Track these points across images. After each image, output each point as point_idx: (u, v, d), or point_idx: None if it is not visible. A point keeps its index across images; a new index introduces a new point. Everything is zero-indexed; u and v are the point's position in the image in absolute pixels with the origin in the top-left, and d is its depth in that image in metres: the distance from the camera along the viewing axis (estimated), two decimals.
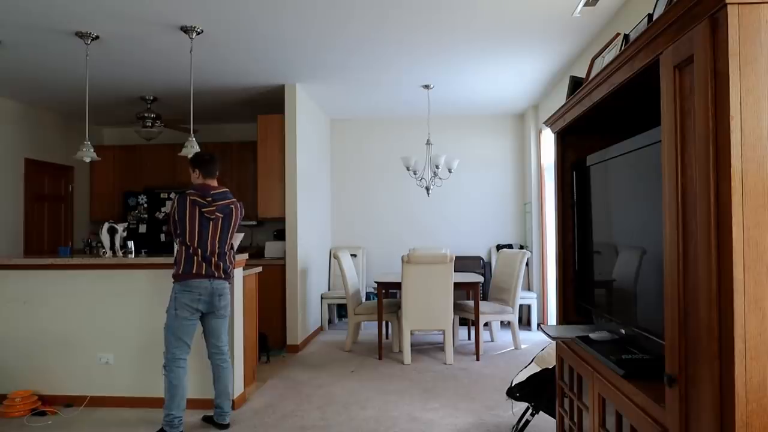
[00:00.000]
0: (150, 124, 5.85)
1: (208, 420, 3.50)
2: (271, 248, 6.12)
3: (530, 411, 3.02)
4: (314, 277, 6.36)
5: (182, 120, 5.96)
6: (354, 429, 3.41)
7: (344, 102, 6.46)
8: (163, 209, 6.93)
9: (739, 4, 1.13)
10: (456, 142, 7.19)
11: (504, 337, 5.99)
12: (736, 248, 1.13)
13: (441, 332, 5.44)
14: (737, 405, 1.13)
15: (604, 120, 2.22)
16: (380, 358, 5.16)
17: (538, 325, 6.42)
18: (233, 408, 3.66)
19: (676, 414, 1.33)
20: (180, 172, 6.85)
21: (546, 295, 6.41)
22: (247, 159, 6.79)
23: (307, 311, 6.00)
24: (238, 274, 3.87)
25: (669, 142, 1.36)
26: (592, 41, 4.38)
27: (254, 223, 6.82)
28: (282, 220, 5.83)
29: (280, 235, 6.17)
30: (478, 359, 5.09)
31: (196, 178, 3.44)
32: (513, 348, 5.52)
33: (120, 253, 4.15)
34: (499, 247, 7.01)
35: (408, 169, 5.83)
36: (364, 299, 6.42)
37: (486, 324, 5.66)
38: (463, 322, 6.25)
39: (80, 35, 4.05)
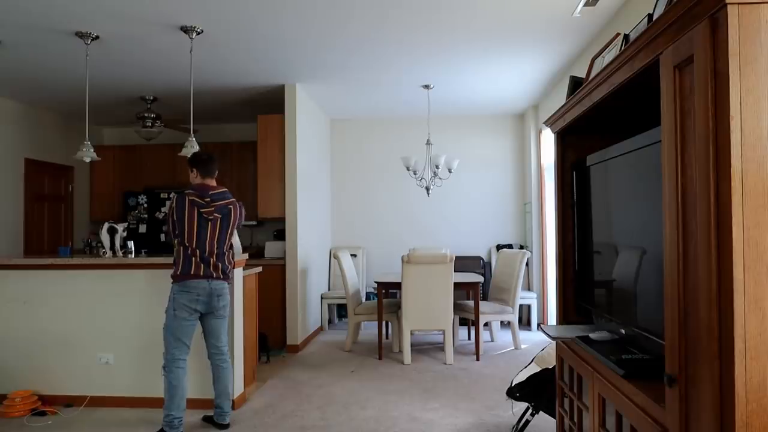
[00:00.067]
0: (150, 124, 5.85)
1: (208, 420, 3.50)
2: (271, 248, 6.12)
3: (530, 411, 3.02)
4: (314, 277, 6.36)
5: (182, 120, 5.96)
6: (354, 429, 3.41)
7: (344, 102, 6.46)
8: (163, 209, 6.93)
9: (739, 4, 1.13)
10: (456, 142, 7.19)
11: (504, 337, 5.99)
12: (736, 248, 1.13)
13: (441, 332, 5.44)
14: (737, 405, 1.13)
15: (604, 120, 2.22)
16: (380, 358, 5.16)
17: (538, 325, 6.42)
18: (233, 408, 3.66)
19: (676, 414, 1.33)
20: (180, 172, 6.85)
21: (546, 295, 6.41)
22: (247, 159, 6.80)
23: (307, 311, 6.00)
24: (238, 274, 3.87)
25: (669, 142, 1.36)
26: (592, 41, 4.38)
27: (254, 223, 6.82)
28: (282, 220, 5.83)
29: (280, 235, 6.17)
30: (478, 359, 5.09)
31: (194, 178, 3.44)
32: (513, 348, 5.52)
33: (120, 253, 4.15)
34: (499, 247, 7.01)
35: (408, 169, 5.83)
36: (364, 299, 6.42)
37: (486, 324, 5.66)
38: (463, 322, 6.25)
39: (80, 35, 4.05)
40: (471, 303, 5.32)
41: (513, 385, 3.05)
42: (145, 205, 6.96)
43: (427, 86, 5.74)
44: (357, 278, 6.08)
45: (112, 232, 4.18)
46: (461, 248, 7.08)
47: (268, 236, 6.85)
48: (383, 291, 5.30)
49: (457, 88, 5.84)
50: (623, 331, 1.98)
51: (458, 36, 4.28)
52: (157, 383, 3.60)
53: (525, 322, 6.77)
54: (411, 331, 5.04)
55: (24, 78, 5.21)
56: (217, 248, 3.35)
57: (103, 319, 3.85)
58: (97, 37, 4.11)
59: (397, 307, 5.34)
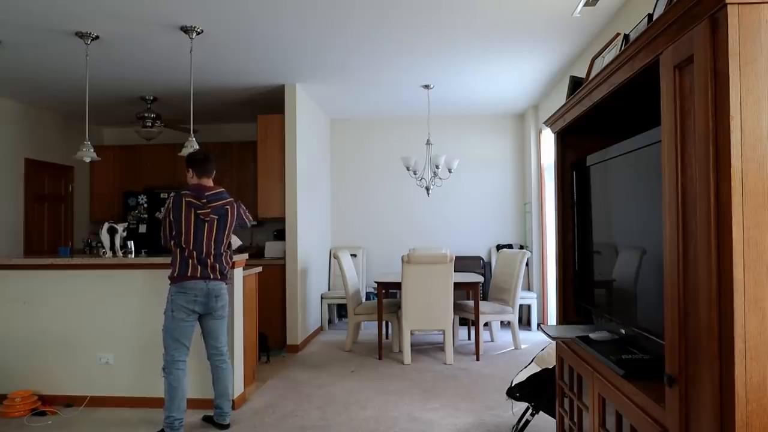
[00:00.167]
0: (150, 124, 5.85)
1: (208, 420, 3.50)
2: (271, 248, 6.12)
3: (530, 411, 3.02)
4: (314, 277, 6.36)
5: (182, 120, 5.96)
6: (354, 429, 3.41)
7: (344, 102, 6.46)
8: (163, 209, 6.92)
9: (739, 4, 1.13)
10: (456, 142, 7.19)
11: (504, 337, 5.99)
12: (736, 248, 1.13)
13: (441, 332, 5.44)
14: (737, 405, 1.13)
15: (604, 120, 2.22)
16: (380, 358, 5.16)
17: (538, 325, 6.42)
18: (233, 408, 3.66)
19: (676, 414, 1.33)
20: (180, 172, 6.84)
21: (546, 295, 6.41)
22: (247, 159, 6.80)
23: (307, 311, 6.00)
24: (238, 274, 3.87)
25: (669, 142, 1.36)
26: (592, 41, 4.38)
27: (254, 223, 6.81)
28: (282, 220, 5.83)
29: (280, 235, 6.17)
30: (478, 359, 5.09)
31: (190, 178, 3.41)
32: (513, 348, 5.52)
33: (120, 253, 4.15)
34: (499, 247, 7.01)
35: (408, 169, 5.83)
36: (364, 299, 6.42)
37: (486, 324, 5.66)
38: (463, 322, 6.25)
39: (80, 35, 4.05)
40: (471, 303, 5.32)
41: (513, 385, 3.05)
42: (145, 205, 6.96)
43: (427, 86, 5.74)
44: (357, 278, 6.08)
45: (112, 232, 4.18)
46: (461, 248, 7.08)
47: (268, 236, 6.85)
48: (383, 291, 5.30)
49: (457, 88, 5.84)
50: (623, 331, 1.98)
51: (458, 36, 4.28)
52: (157, 383, 3.60)
53: (525, 322, 6.77)
54: (411, 331, 5.04)
55: (24, 78, 5.21)
56: (214, 249, 3.33)
57: (103, 319, 3.85)
58: (97, 37, 4.11)
59: (397, 307, 5.34)
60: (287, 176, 5.67)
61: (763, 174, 1.14)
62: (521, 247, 6.99)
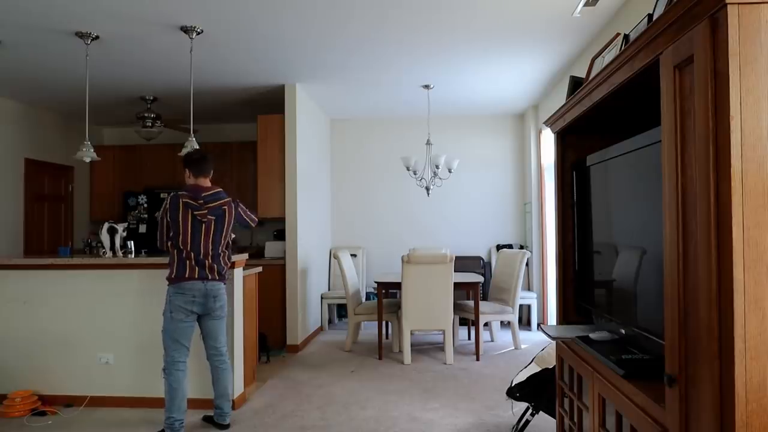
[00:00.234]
0: (150, 124, 5.85)
1: (208, 420, 3.50)
2: (271, 248, 6.12)
3: (530, 411, 3.02)
4: (314, 277, 6.36)
5: (182, 120, 5.96)
6: (354, 429, 3.41)
7: (344, 102, 6.46)
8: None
9: (739, 4, 1.13)
10: (456, 142, 7.19)
11: (504, 337, 5.99)
12: (736, 248, 1.13)
13: (441, 332, 5.44)
14: (737, 405, 1.13)
15: (604, 120, 2.22)
16: (380, 358, 5.16)
17: (538, 325, 6.42)
18: (233, 408, 3.66)
19: (676, 414, 1.33)
20: (180, 172, 6.73)
21: (546, 295, 6.41)
22: (247, 159, 6.79)
23: (307, 311, 6.00)
24: (238, 274, 3.87)
25: (669, 142, 1.36)
26: (592, 41, 4.38)
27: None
28: (282, 220, 5.83)
29: (280, 235, 6.17)
30: (478, 359, 5.09)
31: (187, 178, 3.40)
32: (513, 348, 5.52)
33: (120, 253, 4.15)
34: (499, 247, 7.01)
35: (408, 169, 5.83)
36: (364, 299, 6.42)
37: (486, 324, 5.66)
38: (463, 322, 6.25)
39: (80, 35, 4.05)
40: (471, 303, 5.32)
41: (513, 385, 3.05)
42: (145, 205, 6.96)
43: (427, 86, 5.74)
44: (357, 278, 6.08)
45: (112, 232, 4.18)
46: (461, 248, 7.08)
47: (268, 236, 6.84)
48: (383, 291, 5.30)
49: (457, 88, 5.84)
50: (623, 331, 1.98)
51: (458, 36, 4.28)
52: (157, 383, 3.60)
53: (525, 322, 6.77)
54: (411, 331, 5.04)
55: (24, 78, 5.21)
56: (212, 250, 3.32)
57: (103, 319, 3.85)
58: (97, 37, 4.11)
59: (397, 307, 5.34)
60: (287, 176, 5.67)
61: (763, 174, 1.14)
62: (521, 247, 6.99)
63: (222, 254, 3.38)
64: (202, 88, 5.54)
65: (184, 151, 4.19)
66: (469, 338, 6.03)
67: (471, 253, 7.11)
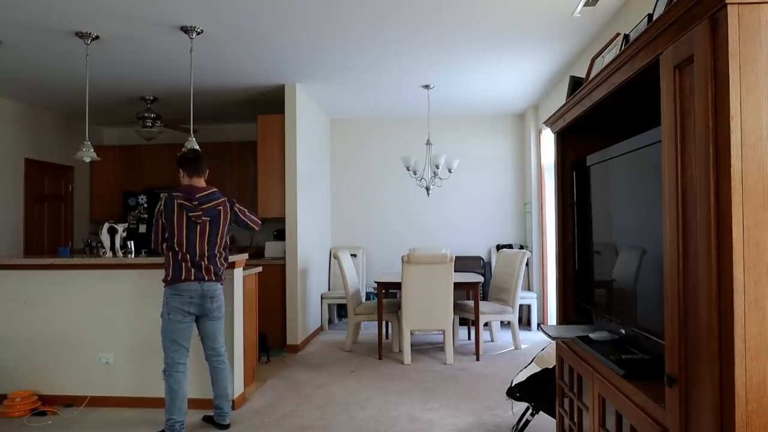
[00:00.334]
0: (150, 124, 5.85)
1: (208, 420, 3.50)
2: (271, 248, 6.12)
3: (530, 411, 3.02)
4: (314, 277, 6.36)
5: (182, 120, 5.96)
6: (354, 429, 3.41)
7: (344, 102, 6.46)
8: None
9: (739, 4, 1.13)
10: (456, 142, 7.19)
11: (504, 337, 5.99)
12: (736, 248, 1.13)
13: (441, 332, 5.44)
14: (737, 405, 1.13)
15: (604, 120, 2.22)
16: (380, 358, 5.16)
17: (538, 325, 6.42)
18: (233, 408, 3.66)
19: (676, 414, 1.33)
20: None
21: (546, 295, 6.41)
22: (247, 159, 6.79)
23: (307, 311, 6.00)
24: (238, 274, 3.87)
25: (669, 142, 1.36)
26: (592, 41, 4.38)
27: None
28: (282, 220, 5.83)
29: (280, 235, 6.17)
30: (478, 359, 5.09)
31: (182, 178, 3.39)
32: (513, 348, 5.52)
33: (120, 253, 4.15)
34: (499, 247, 7.01)
35: (408, 169, 5.83)
36: (364, 299, 6.42)
37: (486, 324, 5.66)
38: (463, 322, 6.25)
39: (80, 35, 4.05)
40: (471, 303, 5.32)
41: (513, 385, 3.05)
42: (145, 205, 6.96)
43: (427, 86, 5.74)
44: (357, 278, 6.08)
45: (112, 232, 4.18)
46: (461, 248, 7.08)
47: (268, 236, 6.84)
48: (383, 291, 5.30)
49: (457, 88, 5.84)
50: (623, 331, 1.98)
51: (458, 36, 4.28)
52: (157, 383, 3.60)
53: (525, 322, 6.77)
54: (411, 331, 5.04)
55: (24, 78, 5.21)
56: (208, 251, 3.30)
57: (103, 319, 3.85)
58: (97, 37, 4.11)
59: (397, 307, 5.34)
60: (287, 176, 5.67)
61: (763, 174, 1.14)
62: (521, 247, 6.99)
63: (218, 255, 3.36)
64: (202, 88, 5.54)
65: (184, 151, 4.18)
66: (469, 338, 6.03)
67: (471, 253, 7.11)
